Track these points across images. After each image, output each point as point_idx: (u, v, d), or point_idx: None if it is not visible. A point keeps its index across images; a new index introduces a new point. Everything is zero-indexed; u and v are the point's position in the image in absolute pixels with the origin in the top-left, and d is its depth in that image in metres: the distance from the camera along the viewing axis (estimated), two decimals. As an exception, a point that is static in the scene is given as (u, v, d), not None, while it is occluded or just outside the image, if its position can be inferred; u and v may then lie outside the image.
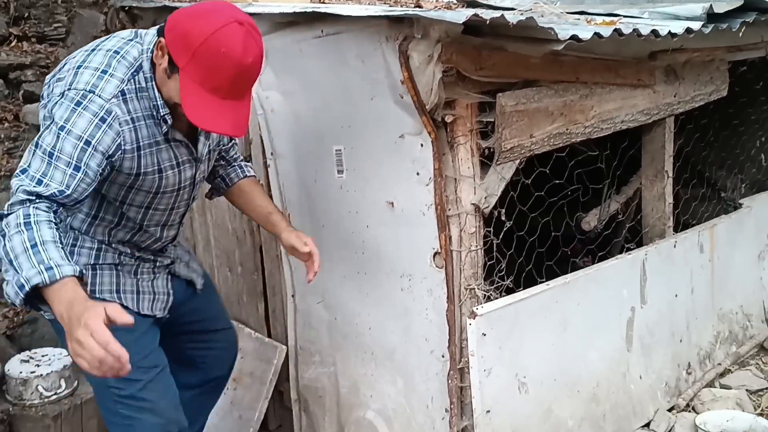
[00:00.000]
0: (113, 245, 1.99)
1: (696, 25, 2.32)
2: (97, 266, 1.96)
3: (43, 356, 2.63)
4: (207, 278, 2.40)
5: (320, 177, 2.58)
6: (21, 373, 2.54)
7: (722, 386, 3.18)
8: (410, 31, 2.05)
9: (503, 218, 2.34)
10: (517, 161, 2.29)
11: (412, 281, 2.36)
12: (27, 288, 1.42)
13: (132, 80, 1.78)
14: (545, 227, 2.69)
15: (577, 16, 2.62)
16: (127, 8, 3.33)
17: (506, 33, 2.01)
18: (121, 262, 2.01)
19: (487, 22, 1.78)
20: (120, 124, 1.73)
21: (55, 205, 1.59)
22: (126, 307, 1.93)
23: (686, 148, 3.26)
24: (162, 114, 1.82)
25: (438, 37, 1.99)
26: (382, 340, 2.51)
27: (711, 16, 2.39)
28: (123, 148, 1.76)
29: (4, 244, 1.48)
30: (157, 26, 1.85)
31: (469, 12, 1.79)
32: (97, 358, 1.34)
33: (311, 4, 2.45)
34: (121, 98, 1.74)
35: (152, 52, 1.79)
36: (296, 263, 2.74)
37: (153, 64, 1.80)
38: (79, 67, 1.74)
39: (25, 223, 1.50)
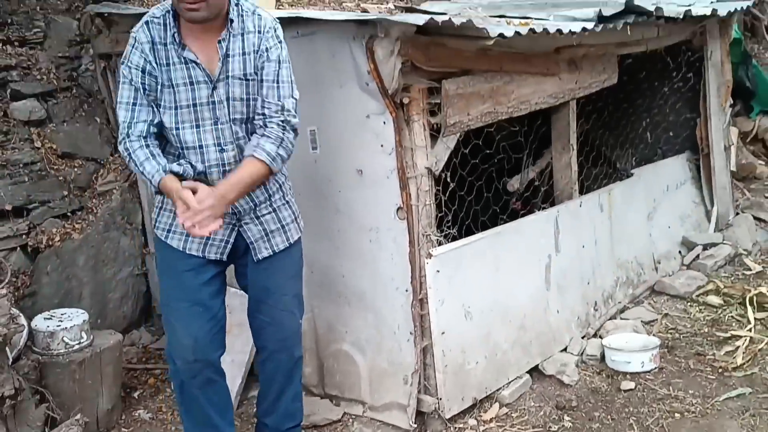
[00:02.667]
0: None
1: (590, 25, 3.00)
2: (162, 207, 2.43)
3: (62, 314, 3.03)
4: (284, 255, 2.52)
5: (296, 154, 3.09)
6: (48, 327, 2.93)
7: (622, 319, 3.91)
8: (374, 31, 2.62)
9: (448, 180, 2.94)
10: (458, 134, 2.90)
11: (379, 233, 2.92)
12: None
13: (163, 17, 2.31)
14: (479, 189, 3.31)
15: (498, 18, 3.27)
16: (105, 14, 3.73)
17: (449, 32, 2.62)
18: None
19: (440, 23, 2.37)
20: (143, 44, 2.29)
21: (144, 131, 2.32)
22: (170, 247, 2.39)
23: (587, 128, 3.98)
24: (172, 32, 2.28)
25: (397, 36, 2.56)
26: (353, 284, 3.06)
27: (601, 18, 3.08)
28: (148, 60, 2.29)
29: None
30: None
31: (426, 17, 2.39)
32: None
33: (288, 9, 2.97)
34: (145, 26, 2.30)
35: None
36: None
37: None
38: None
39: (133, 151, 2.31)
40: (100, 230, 3.77)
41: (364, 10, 3.65)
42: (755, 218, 4.96)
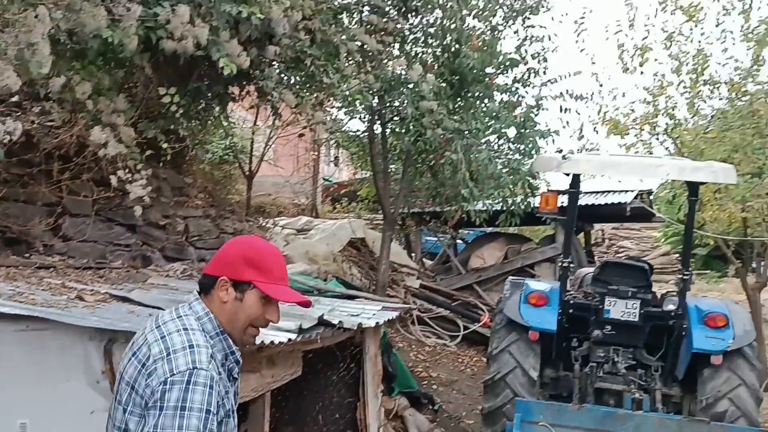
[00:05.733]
0: None
1: (293, 336, 3.61)
2: None
3: None
4: None
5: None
6: None
7: None
8: (114, 336, 2.86)
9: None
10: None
11: None
12: None
13: (208, 342, 2.01)
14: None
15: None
16: None
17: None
18: None
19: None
20: (218, 383, 1.97)
21: None
22: None
23: (277, 415, 4.44)
24: (236, 356, 2.09)
25: (137, 342, 2.83)
26: None
27: (301, 330, 3.73)
28: (220, 402, 1.98)
29: None
30: (194, 294, 2.11)
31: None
32: None
33: (18, 304, 3.04)
34: (212, 361, 1.98)
35: (207, 314, 2.05)
36: None
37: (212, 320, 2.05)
38: (167, 355, 1.94)
39: None
40: None
41: (80, 297, 3.79)
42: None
